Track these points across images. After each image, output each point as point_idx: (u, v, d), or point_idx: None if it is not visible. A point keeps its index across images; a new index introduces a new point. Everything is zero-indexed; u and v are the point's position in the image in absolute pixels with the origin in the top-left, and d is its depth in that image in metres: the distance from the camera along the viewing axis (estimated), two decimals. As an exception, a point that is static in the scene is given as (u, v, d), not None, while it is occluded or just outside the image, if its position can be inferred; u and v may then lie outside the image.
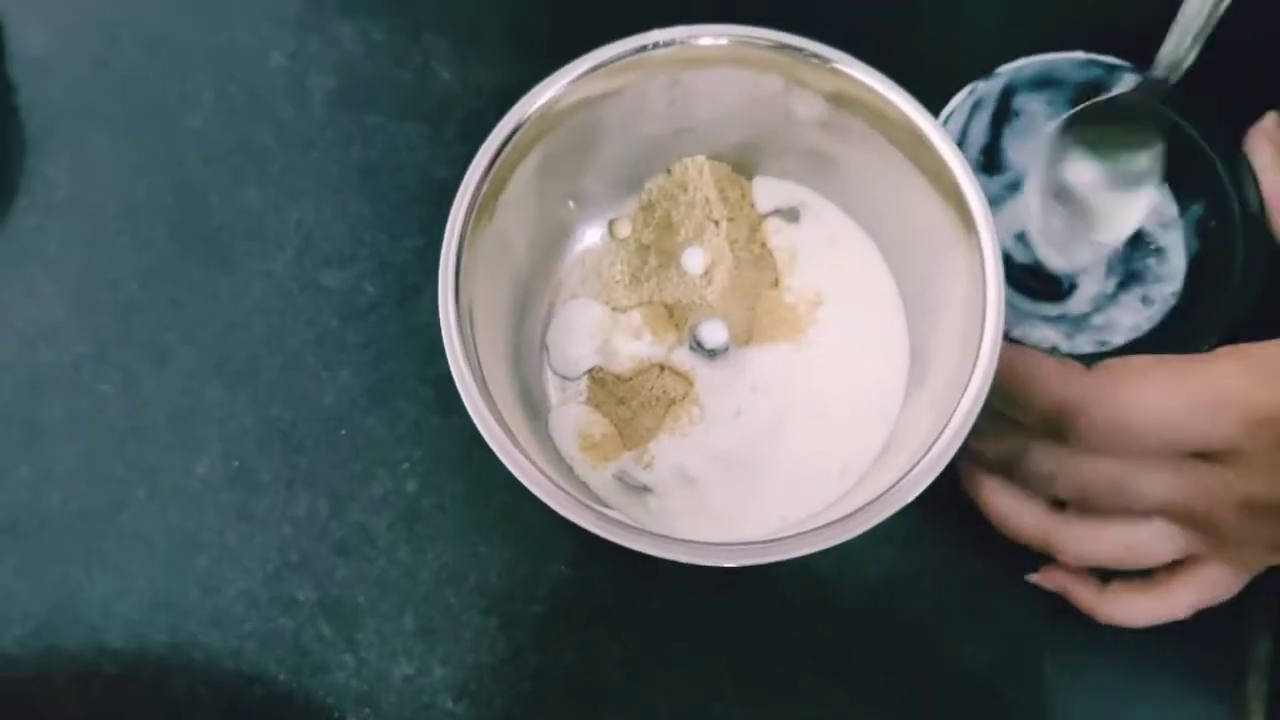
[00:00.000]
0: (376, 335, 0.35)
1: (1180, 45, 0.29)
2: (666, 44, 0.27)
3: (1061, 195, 0.32)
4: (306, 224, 0.36)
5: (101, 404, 0.35)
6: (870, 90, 0.27)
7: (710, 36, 0.27)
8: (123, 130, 0.38)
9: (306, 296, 0.36)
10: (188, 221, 0.37)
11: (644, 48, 0.27)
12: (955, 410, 0.24)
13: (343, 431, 0.35)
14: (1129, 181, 0.31)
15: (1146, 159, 0.31)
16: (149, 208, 0.37)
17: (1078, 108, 0.32)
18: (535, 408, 0.30)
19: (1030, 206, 0.33)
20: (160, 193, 0.37)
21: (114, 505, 0.34)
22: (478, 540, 0.34)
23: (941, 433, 0.24)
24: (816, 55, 0.27)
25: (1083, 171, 0.32)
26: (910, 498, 0.24)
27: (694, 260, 0.31)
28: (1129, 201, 0.31)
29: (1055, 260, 0.32)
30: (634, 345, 0.31)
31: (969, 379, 0.24)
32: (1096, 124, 0.32)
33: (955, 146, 0.26)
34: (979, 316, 0.25)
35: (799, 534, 0.24)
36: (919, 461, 0.24)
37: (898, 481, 0.24)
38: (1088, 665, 0.32)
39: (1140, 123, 0.31)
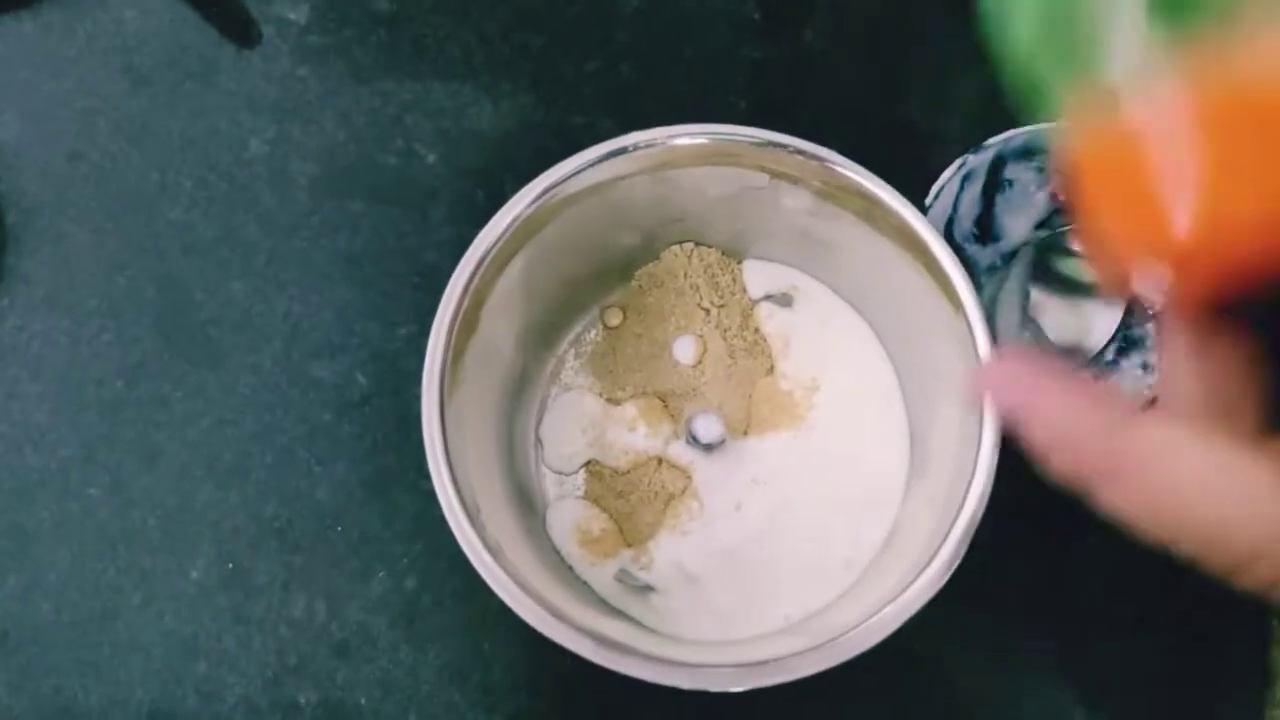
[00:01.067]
0: (371, 427, 0.35)
1: None
2: (647, 145, 0.26)
3: (1030, 319, 0.32)
4: (294, 314, 0.36)
5: (91, 508, 0.35)
6: (856, 185, 0.26)
7: (687, 136, 0.26)
8: (102, 223, 0.37)
9: (297, 389, 0.35)
10: (172, 315, 0.36)
11: (624, 149, 0.26)
12: (961, 510, 0.24)
13: (339, 528, 0.34)
14: (1095, 304, 0.32)
15: None
16: (132, 302, 0.36)
17: (1043, 238, 0.33)
18: (532, 504, 0.30)
19: (999, 325, 0.33)
20: (143, 287, 0.36)
21: (107, 612, 0.34)
22: (480, 636, 0.33)
23: (946, 537, 0.24)
24: (800, 152, 0.26)
25: (1048, 303, 0.32)
26: (919, 605, 0.24)
27: (686, 349, 0.30)
28: (1094, 320, 0.32)
29: None
30: (629, 438, 0.30)
31: (970, 481, 0.24)
32: (1061, 252, 0.32)
33: (944, 242, 0.26)
34: (977, 418, 0.24)
35: (808, 651, 0.23)
36: (925, 568, 0.24)
37: (906, 588, 0.24)
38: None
39: None
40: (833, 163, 0.26)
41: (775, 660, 0.22)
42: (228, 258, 0.36)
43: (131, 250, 0.37)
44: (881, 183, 0.26)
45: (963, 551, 0.24)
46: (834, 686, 0.32)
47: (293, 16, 0.38)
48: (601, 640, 0.23)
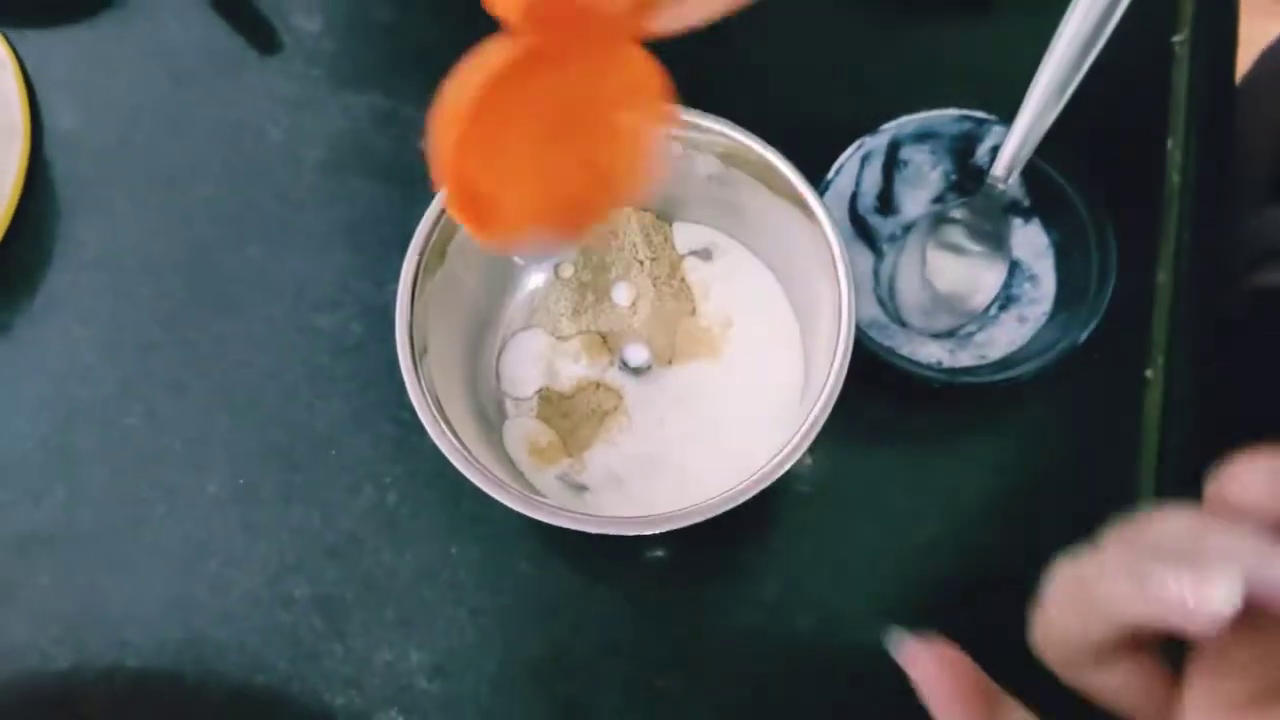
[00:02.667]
0: (361, 369, 0.41)
1: (1014, 158, 0.36)
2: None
3: (927, 281, 0.38)
4: (301, 274, 0.42)
5: (127, 433, 0.41)
6: (752, 151, 0.32)
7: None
8: (143, 196, 0.44)
9: (302, 336, 0.41)
10: (200, 274, 0.42)
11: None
12: (819, 399, 0.29)
13: (333, 452, 0.40)
14: (982, 267, 0.38)
15: (993, 246, 0.38)
16: (166, 263, 0.43)
17: (937, 211, 0.38)
18: (490, 423, 0.36)
19: (900, 286, 0.38)
20: (176, 250, 0.43)
21: (137, 520, 0.40)
22: (449, 542, 0.39)
23: (806, 417, 0.29)
24: (705, 126, 0.32)
25: (943, 266, 0.38)
26: (779, 474, 0.29)
27: (622, 294, 0.36)
28: (981, 281, 0.38)
29: (918, 324, 0.38)
30: (574, 368, 0.36)
31: (827, 377, 0.29)
32: (952, 223, 0.38)
33: (816, 193, 0.31)
34: (839, 324, 0.30)
35: (696, 506, 0.28)
36: (787, 445, 0.29)
37: (772, 459, 0.29)
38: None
39: (987, 217, 0.38)
40: (732, 133, 0.32)
41: (671, 513, 0.28)
42: (247, 226, 0.43)
43: (167, 219, 0.43)
44: (772, 149, 0.32)
45: (815, 432, 0.29)
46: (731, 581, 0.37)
47: (308, 26, 0.45)
48: (550, 506, 0.28)
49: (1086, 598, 0.20)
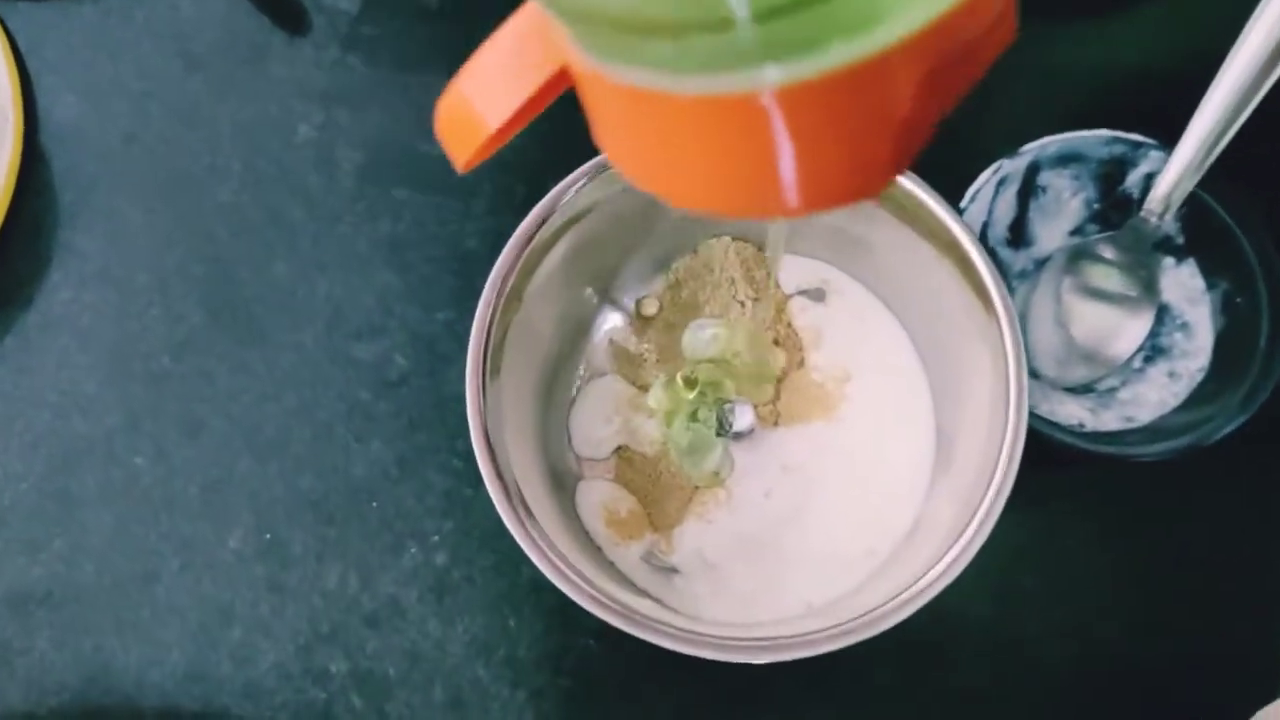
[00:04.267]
0: (407, 406, 0.36)
1: (1173, 190, 0.31)
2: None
3: (1061, 324, 0.32)
4: (336, 296, 0.37)
5: (134, 475, 0.36)
6: (894, 184, 0.27)
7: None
8: (153, 202, 0.38)
9: (336, 368, 0.36)
10: (218, 294, 0.37)
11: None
12: (981, 504, 0.25)
13: (373, 503, 0.35)
14: (1125, 312, 0.32)
15: (1140, 289, 0.32)
16: (180, 280, 0.37)
17: (1076, 246, 0.33)
18: (563, 484, 0.31)
19: (1030, 330, 0.33)
20: (191, 265, 0.37)
21: (148, 576, 0.35)
22: (507, 613, 0.34)
23: (967, 527, 0.24)
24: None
25: (1080, 309, 0.33)
26: (936, 592, 0.24)
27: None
28: (1124, 328, 0.32)
29: (1050, 374, 0.33)
30: (658, 424, 0.31)
31: (993, 474, 0.25)
32: (1094, 259, 0.33)
33: (980, 246, 0.26)
34: (1003, 411, 0.25)
35: (828, 629, 0.24)
36: (945, 554, 0.24)
37: (923, 575, 0.24)
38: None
39: (1135, 254, 0.32)
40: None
41: (794, 636, 0.23)
42: (273, 239, 0.38)
43: (181, 229, 0.38)
44: (920, 182, 0.27)
45: (979, 545, 0.24)
46: (847, 670, 0.33)
47: (344, 6, 0.39)
48: (629, 611, 0.24)
49: None
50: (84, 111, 0.39)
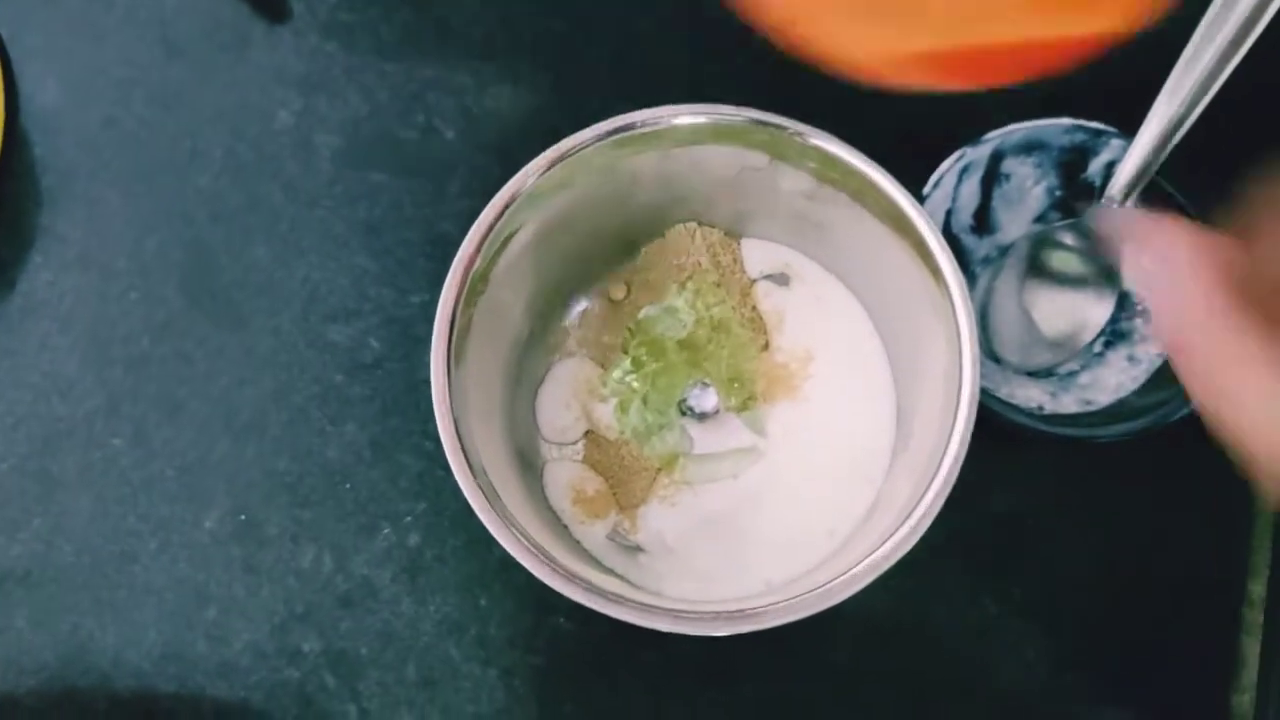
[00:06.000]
0: (381, 389, 0.36)
1: (1134, 178, 0.31)
2: (652, 123, 0.28)
3: (1024, 311, 0.33)
4: (313, 280, 0.37)
5: (113, 457, 0.36)
6: (851, 167, 0.27)
7: (689, 115, 0.28)
8: (134, 187, 0.39)
9: (312, 351, 0.37)
10: (197, 278, 0.38)
11: (630, 126, 0.28)
12: (933, 480, 0.25)
13: (347, 485, 0.35)
14: (1087, 298, 0.33)
15: (1102, 275, 0.33)
16: (160, 264, 0.38)
17: (1039, 233, 0.33)
18: (531, 464, 0.31)
19: (993, 316, 0.34)
20: (171, 249, 0.38)
21: (125, 557, 0.35)
22: (479, 592, 0.34)
23: (919, 502, 0.25)
24: (797, 133, 0.27)
25: (1042, 295, 0.33)
26: (888, 565, 0.25)
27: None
28: (1086, 314, 0.33)
29: (1014, 359, 0.33)
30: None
31: (945, 449, 0.25)
32: (1056, 246, 0.33)
33: (933, 225, 0.27)
34: (955, 385, 0.25)
35: (782, 601, 0.24)
36: (898, 529, 0.25)
37: (877, 548, 0.25)
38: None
39: (1096, 241, 0.32)
40: (829, 146, 0.27)
41: (752, 609, 0.24)
42: (252, 224, 0.38)
43: (161, 214, 0.38)
44: (876, 166, 0.27)
45: (930, 520, 0.25)
46: (809, 647, 0.33)
47: (323, -6, 0.40)
48: (592, 588, 0.24)
49: None
50: (65, 97, 0.40)
